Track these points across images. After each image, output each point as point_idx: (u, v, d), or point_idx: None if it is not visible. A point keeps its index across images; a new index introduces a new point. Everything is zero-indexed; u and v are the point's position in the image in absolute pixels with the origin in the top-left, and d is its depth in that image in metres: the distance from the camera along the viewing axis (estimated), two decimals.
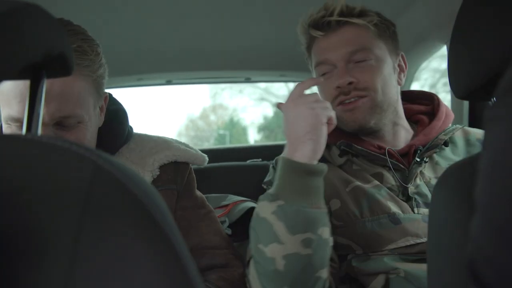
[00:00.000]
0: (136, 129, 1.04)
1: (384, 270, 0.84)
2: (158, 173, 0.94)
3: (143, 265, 0.32)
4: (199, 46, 1.59)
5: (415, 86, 1.72)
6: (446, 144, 0.97)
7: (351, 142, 0.97)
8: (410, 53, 1.43)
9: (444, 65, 1.63)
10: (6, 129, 0.80)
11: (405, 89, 1.22)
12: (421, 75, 1.78)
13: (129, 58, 1.61)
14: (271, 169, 1.01)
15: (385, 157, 0.94)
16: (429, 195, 0.90)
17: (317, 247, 0.76)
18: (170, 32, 1.47)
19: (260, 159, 1.71)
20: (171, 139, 1.04)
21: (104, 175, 0.33)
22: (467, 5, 0.57)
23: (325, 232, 0.78)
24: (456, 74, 0.60)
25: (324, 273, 0.79)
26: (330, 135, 0.99)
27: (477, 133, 1.02)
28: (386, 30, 0.98)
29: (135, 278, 0.31)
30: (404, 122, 1.02)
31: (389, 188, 0.92)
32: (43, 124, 0.74)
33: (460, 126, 1.02)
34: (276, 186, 0.79)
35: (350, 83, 0.93)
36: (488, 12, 0.53)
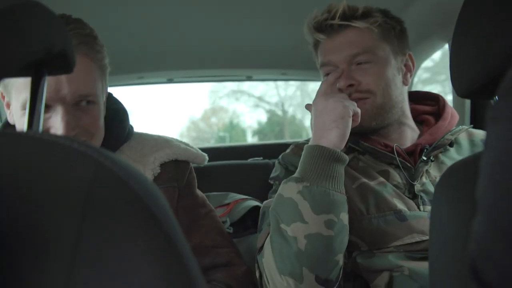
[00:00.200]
0: (139, 130, 1.05)
1: (388, 267, 0.84)
2: (159, 171, 0.94)
3: (145, 264, 0.32)
4: (200, 44, 1.59)
5: None
6: (451, 144, 0.98)
7: (358, 139, 0.97)
8: (412, 51, 1.42)
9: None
10: (21, 116, 0.81)
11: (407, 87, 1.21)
12: None
13: (130, 56, 1.61)
14: (277, 165, 1.02)
15: (392, 155, 0.95)
16: None
17: (338, 230, 0.79)
18: (171, 30, 1.47)
19: (262, 158, 1.71)
20: (172, 138, 1.05)
21: (106, 173, 0.33)
22: (469, 2, 0.57)
23: (345, 218, 0.82)
24: (458, 72, 0.60)
25: (342, 259, 0.81)
26: None
27: (481, 134, 1.03)
28: (391, 30, 0.97)
29: (137, 277, 0.31)
30: (410, 121, 1.03)
31: (395, 186, 0.93)
32: (64, 103, 0.78)
33: (466, 127, 1.02)
34: (302, 170, 0.84)
35: (351, 85, 0.94)
36: (491, 10, 0.53)
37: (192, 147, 1.05)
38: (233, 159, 1.66)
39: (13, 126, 0.93)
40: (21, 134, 0.37)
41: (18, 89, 0.80)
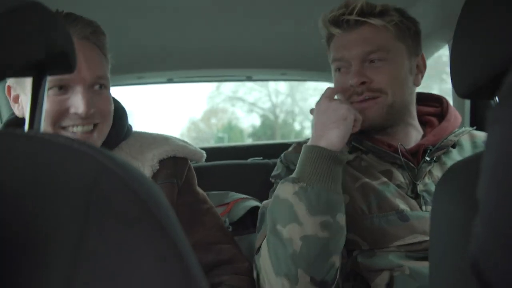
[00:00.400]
0: (141, 129, 1.06)
1: (389, 267, 0.84)
2: (158, 167, 0.95)
3: (146, 265, 0.32)
4: (201, 44, 1.59)
5: None
6: (453, 146, 0.98)
7: (362, 138, 0.98)
8: None
9: None
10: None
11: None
12: None
13: (130, 56, 1.61)
14: (279, 163, 1.02)
15: (395, 155, 0.95)
16: None
17: (334, 231, 0.79)
18: (171, 30, 1.47)
19: (262, 157, 1.71)
20: (170, 135, 1.05)
21: (108, 173, 0.33)
22: (470, 3, 0.57)
23: (342, 219, 0.82)
24: (458, 73, 0.60)
25: (338, 261, 0.81)
26: None
27: (483, 136, 1.04)
28: (407, 30, 0.97)
29: (137, 277, 0.31)
30: (416, 122, 1.03)
31: (397, 186, 0.93)
32: (83, 83, 0.84)
33: (469, 129, 1.02)
34: (299, 171, 0.84)
35: (363, 83, 0.93)
36: (491, 11, 0.53)
37: (190, 145, 1.05)
38: (233, 159, 1.66)
39: (16, 125, 0.94)
40: (22, 133, 0.37)
41: None
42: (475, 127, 1.05)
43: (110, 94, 0.92)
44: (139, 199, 0.33)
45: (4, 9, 0.40)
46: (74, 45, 0.49)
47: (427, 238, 0.85)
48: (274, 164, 1.06)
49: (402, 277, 0.82)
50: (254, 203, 1.23)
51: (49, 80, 0.78)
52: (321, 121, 0.88)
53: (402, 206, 0.89)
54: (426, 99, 1.10)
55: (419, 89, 1.06)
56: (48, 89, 0.81)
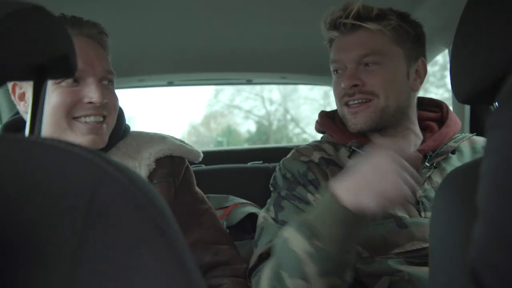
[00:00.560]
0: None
1: (388, 272, 0.84)
2: (154, 166, 0.95)
3: (145, 268, 0.32)
4: (201, 47, 1.59)
5: None
6: (453, 152, 0.98)
7: (363, 143, 0.97)
8: None
9: None
10: (57, 89, 0.86)
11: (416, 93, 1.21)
12: None
13: (130, 59, 1.61)
14: (277, 170, 1.00)
15: None
16: None
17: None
18: (172, 33, 1.47)
19: (261, 161, 1.71)
20: (167, 135, 1.06)
21: (108, 178, 0.33)
22: (470, 7, 0.57)
23: (349, 274, 0.77)
24: (458, 77, 0.60)
25: None
26: (339, 135, 1.00)
27: (483, 141, 1.03)
28: (405, 34, 0.96)
29: (138, 280, 0.31)
30: (415, 127, 1.02)
31: None
32: (95, 76, 0.88)
33: (469, 135, 1.02)
34: (317, 224, 0.74)
35: (355, 85, 0.94)
36: (491, 16, 0.53)
37: (187, 144, 1.05)
38: (233, 163, 1.66)
39: (15, 128, 0.94)
40: (22, 138, 0.37)
41: None
42: (475, 133, 1.05)
43: (115, 90, 0.96)
44: (139, 204, 0.33)
45: (5, 13, 0.40)
46: (75, 49, 0.50)
47: (426, 245, 0.85)
48: (274, 168, 1.05)
49: (402, 282, 0.82)
50: (252, 209, 1.23)
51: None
52: (367, 179, 0.72)
53: (401, 213, 0.89)
54: (426, 104, 1.10)
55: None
56: (60, 82, 0.85)
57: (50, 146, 0.35)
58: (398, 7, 1.01)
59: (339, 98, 0.98)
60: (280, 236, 0.80)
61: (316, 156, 0.97)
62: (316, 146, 1.01)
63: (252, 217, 1.18)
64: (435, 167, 0.95)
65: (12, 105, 1.47)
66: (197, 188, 1.04)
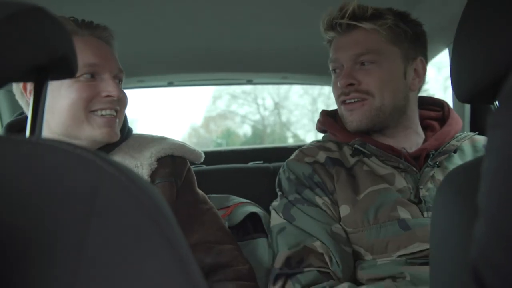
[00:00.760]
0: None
1: (390, 274, 0.84)
2: (156, 166, 0.96)
3: (145, 268, 0.32)
4: (201, 48, 1.59)
5: None
6: (455, 151, 0.98)
7: (365, 141, 0.97)
8: None
9: None
10: (76, 83, 0.89)
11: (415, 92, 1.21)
12: None
13: (130, 60, 1.61)
14: (281, 172, 1.00)
15: (398, 158, 0.95)
16: None
17: None
18: (171, 34, 1.47)
19: (262, 161, 1.71)
20: (168, 137, 1.07)
21: (109, 179, 0.33)
22: (471, 7, 0.57)
23: None
24: (459, 77, 0.60)
25: None
26: (342, 134, 1.00)
27: (484, 140, 1.03)
28: (402, 33, 0.96)
29: (138, 282, 0.31)
30: (416, 126, 1.02)
31: (400, 190, 0.93)
32: (111, 72, 0.93)
33: (471, 134, 1.02)
34: None
35: (351, 84, 0.94)
36: (492, 15, 0.53)
37: (188, 145, 1.06)
38: (233, 163, 1.66)
39: (18, 128, 0.95)
40: (23, 139, 0.37)
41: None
42: (477, 132, 1.05)
43: None
44: (141, 205, 0.33)
45: (5, 14, 0.40)
46: (75, 50, 0.50)
47: (428, 246, 0.85)
48: (275, 168, 1.05)
49: (404, 284, 0.82)
50: (253, 208, 1.22)
51: (80, 66, 0.87)
52: None
53: (403, 214, 0.88)
54: (428, 103, 1.10)
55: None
56: (78, 76, 0.89)
57: (51, 147, 0.35)
58: (398, 6, 1.01)
59: (336, 97, 0.99)
60: None
61: (322, 156, 0.97)
62: (320, 145, 1.01)
63: (253, 216, 1.17)
64: (438, 166, 0.95)
65: (12, 106, 1.47)
66: (198, 189, 1.05)
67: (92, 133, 0.90)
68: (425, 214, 0.90)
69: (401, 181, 0.94)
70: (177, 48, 1.59)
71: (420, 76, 1.01)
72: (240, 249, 1.00)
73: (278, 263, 0.89)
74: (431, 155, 0.96)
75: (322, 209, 0.91)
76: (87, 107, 0.90)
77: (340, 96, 0.97)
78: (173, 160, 1.00)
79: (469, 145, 1.02)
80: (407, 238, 0.86)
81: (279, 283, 0.87)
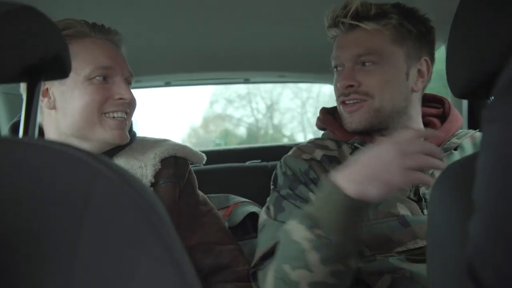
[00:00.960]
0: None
1: (389, 270, 0.84)
2: (160, 167, 0.97)
3: (139, 267, 0.31)
4: (198, 47, 1.59)
5: None
6: (455, 148, 0.97)
7: (365, 140, 0.96)
8: None
9: None
10: (90, 85, 0.90)
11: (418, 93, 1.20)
12: None
13: (127, 60, 1.61)
14: (278, 168, 0.99)
15: None
16: None
17: (344, 277, 0.77)
18: (168, 33, 1.47)
19: (260, 160, 1.71)
20: (170, 139, 1.07)
21: (103, 179, 0.33)
22: (465, 3, 0.57)
23: (354, 261, 0.77)
24: (454, 72, 0.60)
25: None
26: (341, 132, 0.99)
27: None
28: (407, 33, 0.94)
29: (131, 279, 0.31)
30: (418, 125, 1.01)
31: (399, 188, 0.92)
32: (122, 76, 0.94)
33: (472, 131, 1.01)
34: (318, 213, 0.75)
35: (351, 86, 0.93)
36: (486, 10, 0.53)
37: (190, 147, 1.07)
38: (232, 162, 1.66)
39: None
40: (16, 140, 0.37)
41: (84, 61, 0.90)
42: (477, 130, 1.04)
43: None
44: (133, 203, 0.33)
45: None
46: (69, 49, 0.49)
47: None
48: (272, 166, 1.05)
49: (403, 280, 0.82)
50: (253, 207, 1.22)
51: (94, 69, 0.89)
52: (372, 167, 0.72)
53: (403, 211, 0.88)
54: (428, 100, 1.09)
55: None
56: (91, 78, 0.90)
57: (44, 148, 0.35)
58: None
59: (337, 96, 0.98)
60: (282, 230, 0.81)
61: (318, 154, 0.97)
62: (318, 143, 1.00)
63: (253, 216, 1.17)
64: None
65: (11, 108, 1.46)
66: (198, 191, 1.06)
67: (103, 135, 0.91)
68: (425, 211, 0.89)
69: None
70: (174, 47, 1.59)
71: (424, 77, 0.98)
72: (241, 249, 1.00)
73: (255, 261, 0.89)
74: None
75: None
76: (100, 109, 0.91)
77: (340, 97, 0.96)
78: (176, 161, 1.01)
79: (469, 142, 1.01)
80: (407, 235, 0.86)
81: (254, 279, 0.88)
